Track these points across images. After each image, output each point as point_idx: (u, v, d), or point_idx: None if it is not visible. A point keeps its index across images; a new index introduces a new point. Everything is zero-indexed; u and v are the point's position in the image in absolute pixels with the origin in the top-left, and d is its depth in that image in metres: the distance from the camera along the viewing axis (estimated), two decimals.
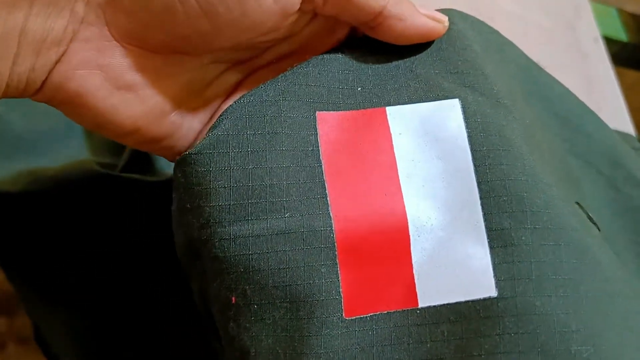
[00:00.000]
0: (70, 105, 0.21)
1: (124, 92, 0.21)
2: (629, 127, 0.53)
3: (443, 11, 0.26)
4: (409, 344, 0.22)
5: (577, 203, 0.25)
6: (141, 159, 0.33)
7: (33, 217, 0.33)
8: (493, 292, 0.22)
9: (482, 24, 0.27)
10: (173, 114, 0.23)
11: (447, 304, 0.22)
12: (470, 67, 0.25)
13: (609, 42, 0.66)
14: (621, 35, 0.71)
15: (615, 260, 0.25)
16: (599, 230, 0.26)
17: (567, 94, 0.31)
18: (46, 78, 0.20)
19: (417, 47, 0.25)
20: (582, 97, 0.50)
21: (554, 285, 0.21)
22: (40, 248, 0.35)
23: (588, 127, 0.31)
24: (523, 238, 0.22)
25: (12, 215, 0.33)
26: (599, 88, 0.57)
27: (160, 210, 0.27)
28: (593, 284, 0.22)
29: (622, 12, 0.72)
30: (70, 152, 0.35)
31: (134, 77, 0.21)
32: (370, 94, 0.24)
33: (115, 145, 0.34)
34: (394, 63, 0.25)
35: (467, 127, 0.23)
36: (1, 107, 0.34)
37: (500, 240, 0.22)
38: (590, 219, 0.25)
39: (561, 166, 0.28)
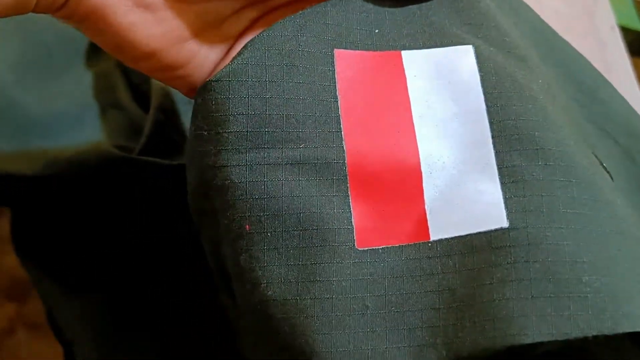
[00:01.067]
0: (90, 20, 0.22)
1: (143, 10, 0.22)
2: None
3: None
4: (420, 276, 0.22)
5: (593, 153, 0.25)
6: (158, 143, 0.32)
7: (49, 200, 0.32)
8: (504, 223, 0.22)
9: None
10: (190, 42, 0.24)
11: (459, 236, 0.22)
12: (484, 20, 0.25)
13: (624, 31, 0.66)
14: (636, 24, 0.70)
15: (628, 206, 0.25)
16: (612, 180, 0.26)
17: (582, 60, 0.31)
18: None
19: None
20: None
21: (565, 218, 0.21)
22: (55, 232, 0.35)
23: (604, 95, 0.30)
24: (534, 174, 0.22)
25: (28, 198, 0.32)
26: (615, 76, 0.56)
27: (178, 193, 0.27)
28: (605, 220, 0.22)
29: (637, 2, 0.71)
30: (85, 136, 0.34)
31: None
32: (387, 37, 0.25)
33: (131, 128, 0.33)
34: (411, 9, 0.25)
35: (480, 70, 0.24)
36: (17, 89, 0.33)
37: (511, 176, 0.22)
38: (603, 167, 0.25)
39: (576, 125, 0.28)
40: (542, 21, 0.30)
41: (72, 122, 0.35)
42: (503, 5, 0.27)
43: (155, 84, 0.34)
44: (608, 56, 0.56)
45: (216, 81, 0.22)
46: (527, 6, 0.30)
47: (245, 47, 0.23)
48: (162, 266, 0.33)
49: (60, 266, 0.34)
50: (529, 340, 0.20)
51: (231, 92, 0.22)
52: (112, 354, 0.34)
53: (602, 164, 0.25)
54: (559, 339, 0.20)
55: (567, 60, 0.30)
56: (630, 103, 0.49)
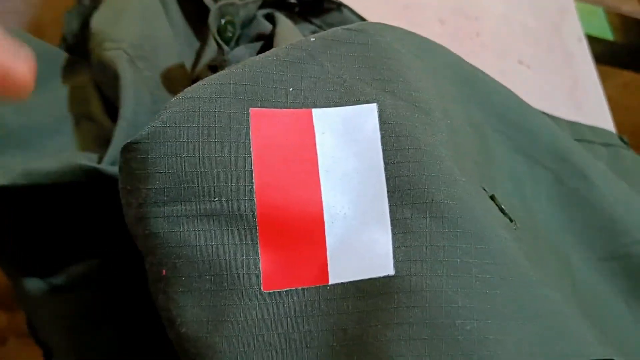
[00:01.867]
0: None
1: None
2: (610, 125, 0.55)
3: (373, 25, 0.29)
4: (318, 316, 0.25)
5: (492, 197, 0.28)
6: None
7: (24, 209, 0.34)
8: (391, 271, 0.24)
9: (412, 35, 0.31)
10: None
11: (354, 281, 0.25)
12: (393, 75, 0.28)
13: (596, 41, 0.68)
14: (607, 34, 0.72)
15: (521, 248, 0.27)
16: (512, 221, 0.28)
17: (506, 93, 0.34)
18: None
19: (348, 55, 0.28)
20: (566, 95, 0.52)
21: (445, 267, 0.24)
22: (31, 238, 0.36)
23: (530, 124, 0.34)
24: (421, 226, 0.25)
25: (5, 206, 0.34)
26: (582, 86, 0.58)
27: None
28: (488, 266, 0.24)
29: (608, 12, 0.73)
30: (58, 147, 0.36)
31: None
32: (301, 95, 0.27)
33: (101, 139, 0.35)
34: (326, 68, 0.28)
35: (381, 129, 0.26)
36: None
37: (401, 227, 0.25)
38: (502, 210, 0.28)
39: (487, 164, 0.30)
40: (466, 64, 0.33)
41: (48, 133, 0.36)
42: (419, 55, 0.30)
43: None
44: (575, 67, 0.59)
45: (136, 143, 0.25)
46: (449, 52, 0.32)
47: (165, 108, 0.25)
48: (135, 265, 0.34)
49: (34, 271, 0.36)
50: None
51: (149, 152, 0.25)
52: (88, 354, 0.36)
53: (500, 208, 0.28)
54: None
55: (490, 97, 0.33)
56: (597, 111, 0.52)
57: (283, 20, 0.40)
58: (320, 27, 0.44)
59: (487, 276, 0.24)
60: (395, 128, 0.26)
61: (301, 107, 0.27)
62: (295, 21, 0.44)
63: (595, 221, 0.35)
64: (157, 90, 0.37)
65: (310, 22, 0.44)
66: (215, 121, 0.26)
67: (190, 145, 0.25)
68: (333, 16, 0.44)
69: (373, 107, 0.27)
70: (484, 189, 0.29)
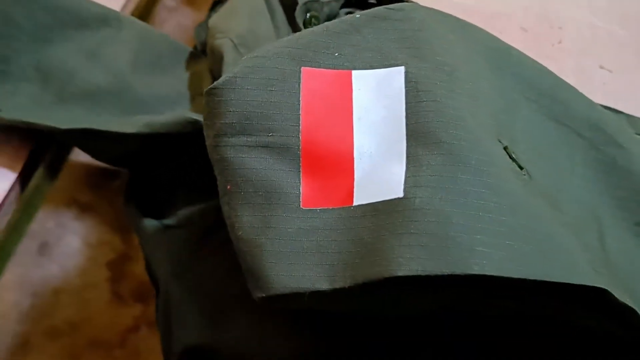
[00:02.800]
0: None
1: None
2: None
3: (411, 4, 0.36)
4: (343, 229, 0.31)
5: (505, 147, 0.32)
6: None
7: (146, 154, 0.44)
8: (400, 194, 0.30)
9: (448, 15, 0.37)
10: None
11: (371, 203, 0.30)
12: (422, 44, 0.34)
13: None
14: None
15: (526, 188, 0.31)
16: (521, 168, 0.33)
17: (541, 70, 0.38)
18: None
19: (386, 28, 0.34)
20: None
21: (446, 192, 0.29)
22: (151, 186, 0.46)
23: (563, 95, 0.37)
24: (430, 160, 0.30)
25: (133, 155, 0.44)
26: None
27: None
28: (483, 194, 0.29)
29: None
30: (177, 114, 0.46)
31: None
32: (344, 60, 0.34)
33: None
34: (367, 38, 0.35)
35: (406, 86, 0.32)
36: (131, 76, 0.46)
37: (414, 161, 0.31)
38: (512, 158, 0.32)
39: (512, 119, 0.35)
40: (499, 41, 0.38)
41: (170, 104, 0.46)
42: (456, 31, 0.36)
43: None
44: None
45: (214, 88, 0.32)
46: (483, 31, 0.38)
47: (239, 62, 0.33)
48: None
49: (154, 210, 0.45)
50: (401, 273, 0.27)
51: (223, 95, 0.32)
52: (188, 278, 0.43)
53: (512, 158, 0.33)
54: (422, 274, 0.27)
55: (524, 69, 0.38)
56: None
57: None
58: None
59: (482, 202, 0.29)
60: (417, 85, 0.32)
61: (344, 69, 0.34)
62: None
63: (633, 186, 0.36)
64: None
65: None
66: (274, 75, 0.32)
67: (254, 92, 0.32)
68: None
69: (401, 69, 0.33)
70: (499, 141, 0.33)
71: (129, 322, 0.94)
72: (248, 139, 0.32)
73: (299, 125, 0.32)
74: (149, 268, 0.50)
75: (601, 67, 0.56)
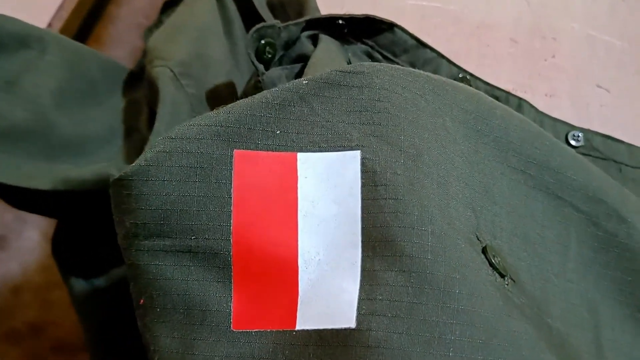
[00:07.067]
0: None
1: None
2: None
3: (371, 66, 0.28)
4: None
5: (484, 249, 0.26)
6: None
7: (74, 215, 0.38)
8: (352, 324, 0.24)
9: (418, 75, 0.30)
10: None
11: (317, 329, 0.25)
12: (383, 118, 0.27)
13: None
14: None
15: (509, 304, 0.25)
16: (503, 277, 0.27)
17: (529, 132, 0.31)
18: None
19: (339, 97, 0.28)
20: None
21: (407, 324, 0.23)
22: (79, 243, 0.40)
23: (556, 163, 0.31)
24: (388, 280, 0.24)
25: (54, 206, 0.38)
26: None
27: None
28: (453, 326, 0.23)
29: None
30: (108, 156, 0.39)
31: None
32: (287, 138, 0.27)
33: (142, 150, 0.38)
34: (315, 111, 0.28)
35: (362, 177, 0.26)
36: (55, 113, 0.39)
37: (369, 279, 0.25)
38: (492, 265, 0.26)
39: (491, 202, 0.29)
40: (482, 99, 0.31)
41: (100, 143, 0.40)
42: (427, 94, 0.29)
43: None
44: None
45: (121, 179, 0.26)
46: (463, 88, 0.31)
47: (151, 147, 0.26)
48: None
49: (83, 269, 0.40)
50: None
51: (133, 189, 0.26)
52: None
53: (490, 263, 0.27)
54: None
55: (509, 134, 0.31)
56: None
57: (324, 42, 0.40)
58: (372, 48, 0.44)
59: (451, 337, 0.24)
60: (375, 177, 0.26)
61: (286, 150, 0.27)
62: (346, 42, 0.44)
63: (634, 266, 0.32)
64: (200, 108, 0.39)
65: (362, 42, 0.44)
66: (197, 161, 0.26)
67: (171, 185, 0.26)
68: (385, 37, 0.44)
69: (356, 154, 0.27)
70: (478, 239, 0.28)
71: None
72: (165, 243, 0.26)
73: (229, 225, 0.26)
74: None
75: (598, 86, 0.50)
